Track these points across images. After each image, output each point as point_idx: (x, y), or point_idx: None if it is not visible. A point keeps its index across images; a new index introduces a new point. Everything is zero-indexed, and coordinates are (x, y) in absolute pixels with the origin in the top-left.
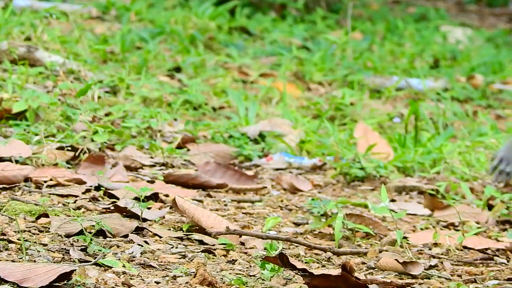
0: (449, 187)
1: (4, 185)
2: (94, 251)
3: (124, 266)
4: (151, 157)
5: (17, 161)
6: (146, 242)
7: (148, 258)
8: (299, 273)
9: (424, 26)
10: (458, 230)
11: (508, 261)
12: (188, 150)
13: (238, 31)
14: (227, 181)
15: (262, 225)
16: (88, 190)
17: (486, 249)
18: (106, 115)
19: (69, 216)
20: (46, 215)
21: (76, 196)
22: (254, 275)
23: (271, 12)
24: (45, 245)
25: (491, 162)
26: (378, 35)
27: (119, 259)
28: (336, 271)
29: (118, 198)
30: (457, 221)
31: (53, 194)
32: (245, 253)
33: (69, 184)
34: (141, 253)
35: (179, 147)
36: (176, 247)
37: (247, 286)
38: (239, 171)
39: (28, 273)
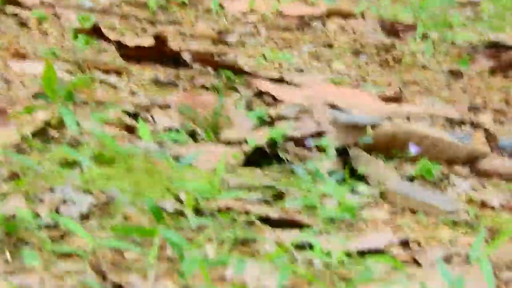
0: None
1: None
2: None
3: None
4: None
5: None
6: None
7: None
8: (113, 45)
9: None
10: None
11: (324, 26)
12: None
13: None
14: None
15: None
16: None
17: (303, 15)
18: None
19: None
20: None
21: None
22: (67, 47)
23: None
24: None
25: None
26: None
27: None
28: (150, 41)
29: None
30: None
31: None
32: (59, 25)
33: None
34: None
35: None
36: None
37: (58, 58)
38: None
39: None
